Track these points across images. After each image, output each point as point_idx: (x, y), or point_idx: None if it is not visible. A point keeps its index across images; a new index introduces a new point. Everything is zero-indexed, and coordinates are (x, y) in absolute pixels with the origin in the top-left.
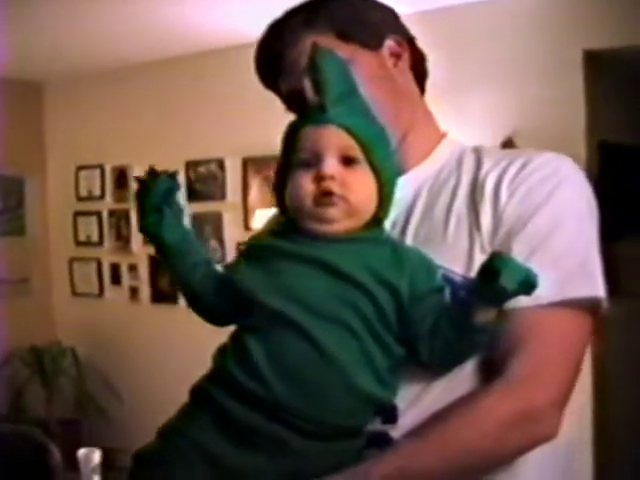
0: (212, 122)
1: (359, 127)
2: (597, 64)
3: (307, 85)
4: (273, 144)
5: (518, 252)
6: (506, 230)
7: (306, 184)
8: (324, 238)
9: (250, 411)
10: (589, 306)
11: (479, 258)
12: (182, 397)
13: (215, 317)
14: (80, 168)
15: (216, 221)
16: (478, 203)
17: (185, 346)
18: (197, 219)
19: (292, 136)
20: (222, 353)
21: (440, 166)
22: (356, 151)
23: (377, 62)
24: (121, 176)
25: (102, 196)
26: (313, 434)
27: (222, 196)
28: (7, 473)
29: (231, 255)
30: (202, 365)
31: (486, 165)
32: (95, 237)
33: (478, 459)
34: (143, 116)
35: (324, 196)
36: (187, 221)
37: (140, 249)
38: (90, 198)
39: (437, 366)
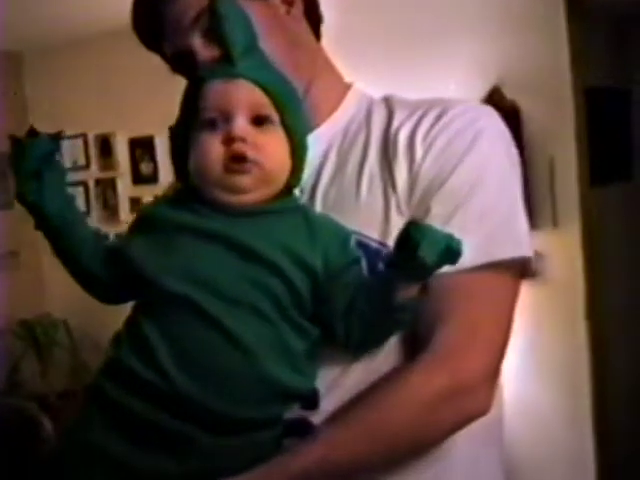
0: None
1: (271, 82)
2: (579, 7)
3: (197, 43)
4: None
5: (437, 213)
6: (423, 189)
7: (213, 147)
8: (232, 210)
9: (150, 407)
10: (517, 267)
11: (396, 220)
12: None
13: (107, 295)
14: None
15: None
16: (391, 160)
17: None
18: None
19: (195, 92)
20: (116, 342)
21: (348, 120)
22: (269, 109)
23: (269, 11)
24: (105, 144)
25: (87, 165)
26: (223, 429)
27: None
28: None
29: None
30: None
31: (398, 117)
32: (82, 207)
33: (407, 442)
34: (126, 82)
35: (235, 161)
36: (70, 189)
37: (128, 218)
38: (75, 168)
39: (355, 347)
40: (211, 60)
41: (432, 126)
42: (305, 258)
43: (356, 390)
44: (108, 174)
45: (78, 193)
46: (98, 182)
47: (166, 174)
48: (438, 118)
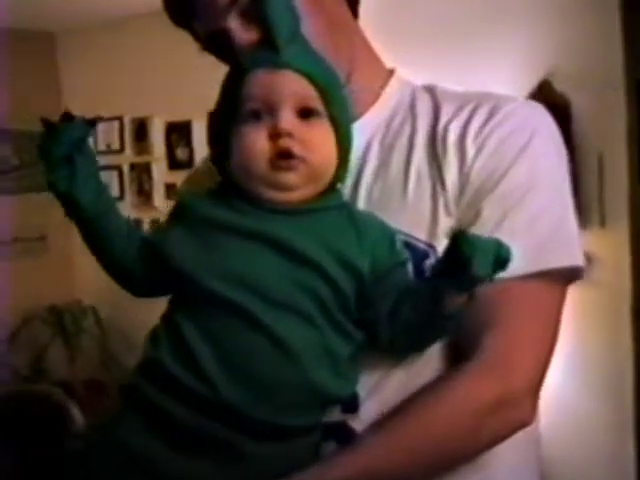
0: None
1: (318, 72)
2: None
3: (234, 24)
4: None
5: (488, 216)
6: (474, 190)
7: (258, 142)
8: (276, 208)
9: (191, 412)
10: (566, 274)
11: (444, 221)
12: None
13: (141, 289)
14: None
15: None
16: (441, 158)
17: None
18: None
19: (237, 81)
20: (154, 341)
21: (391, 111)
22: (316, 101)
23: None
24: (141, 128)
25: (122, 149)
26: (264, 435)
27: None
28: (25, 433)
29: None
30: None
31: (445, 111)
32: (116, 192)
33: (451, 453)
34: (162, 65)
35: (281, 158)
36: (104, 174)
37: (162, 204)
38: (109, 152)
39: (398, 352)
40: (249, 43)
41: (484, 124)
42: (352, 259)
43: (396, 395)
44: (143, 159)
45: (112, 177)
46: (133, 167)
47: (202, 159)
48: (490, 116)
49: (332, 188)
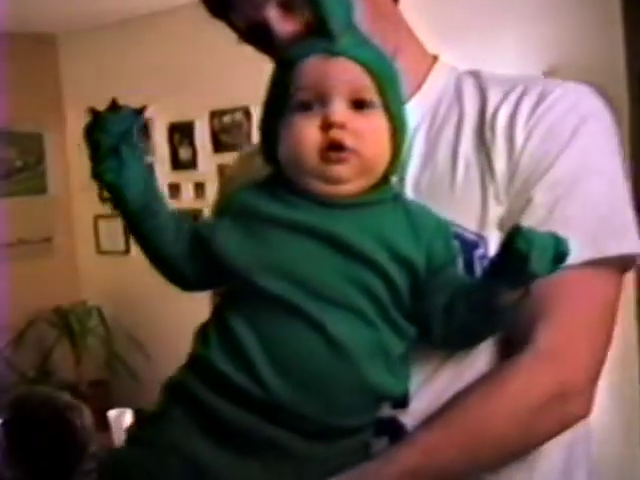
0: (236, 69)
1: (374, 61)
2: None
3: (273, 15)
4: None
5: (540, 203)
6: (525, 177)
7: (309, 133)
8: (327, 202)
9: (242, 411)
10: (621, 264)
11: (494, 210)
12: None
13: (189, 283)
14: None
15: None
16: (489, 145)
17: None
18: (223, 170)
19: (288, 70)
20: (203, 338)
21: (437, 97)
22: (371, 92)
23: None
24: (144, 128)
25: None
26: (316, 435)
27: (249, 146)
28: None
29: None
30: None
31: (492, 97)
32: None
33: (508, 447)
34: (164, 64)
35: (333, 150)
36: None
37: (167, 203)
38: None
39: (450, 347)
40: (289, 34)
41: (533, 110)
42: (407, 254)
43: (446, 389)
44: (147, 158)
45: None
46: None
47: (205, 160)
48: (539, 100)
49: (385, 181)
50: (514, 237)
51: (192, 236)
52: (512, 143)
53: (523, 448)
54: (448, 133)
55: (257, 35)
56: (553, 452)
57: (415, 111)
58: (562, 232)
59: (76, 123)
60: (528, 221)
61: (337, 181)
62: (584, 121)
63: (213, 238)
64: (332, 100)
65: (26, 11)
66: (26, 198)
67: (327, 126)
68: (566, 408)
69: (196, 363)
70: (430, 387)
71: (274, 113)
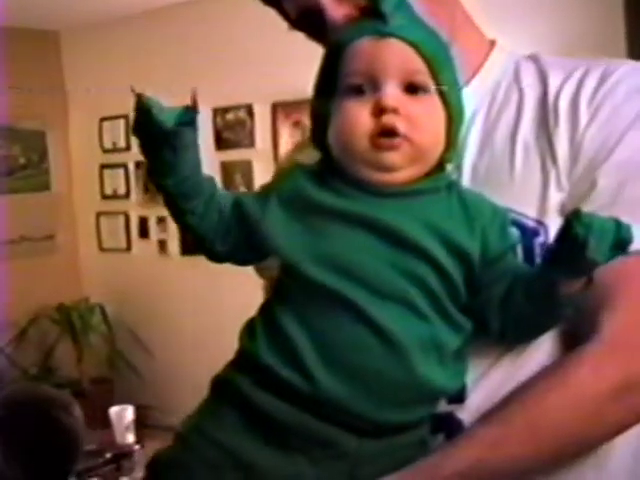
0: (239, 66)
1: (428, 43)
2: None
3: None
4: (303, 87)
5: (605, 186)
6: (588, 160)
7: (360, 119)
8: (379, 190)
9: (290, 408)
10: None
11: (555, 196)
12: (214, 351)
13: (218, 253)
14: (103, 119)
15: (246, 169)
16: (551, 127)
17: (216, 299)
18: (226, 168)
19: (338, 53)
20: (250, 333)
21: (495, 82)
22: (424, 76)
23: None
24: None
25: (128, 147)
26: (368, 432)
27: (251, 143)
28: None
29: None
30: (234, 319)
31: (553, 80)
32: (122, 190)
33: (572, 442)
34: (166, 62)
35: (385, 136)
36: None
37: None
38: (115, 150)
39: (509, 341)
40: (343, 19)
41: (596, 89)
42: (461, 244)
43: (504, 384)
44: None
45: (118, 175)
46: (138, 165)
47: (207, 157)
48: (602, 80)
49: (440, 168)
50: (572, 222)
51: (234, 208)
52: (575, 126)
53: (590, 441)
54: (507, 118)
55: (309, 21)
56: (621, 448)
57: (472, 96)
58: (627, 217)
59: (79, 121)
60: (591, 206)
61: (389, 169)
62: None
63: (262, 219)
64: (384, 84)
65: (29, 8)
66: (29, 195)
67: (379, 111)
68: (634, 399)
69: (242, 358)
70: (487, 381)
71: (324, 98)
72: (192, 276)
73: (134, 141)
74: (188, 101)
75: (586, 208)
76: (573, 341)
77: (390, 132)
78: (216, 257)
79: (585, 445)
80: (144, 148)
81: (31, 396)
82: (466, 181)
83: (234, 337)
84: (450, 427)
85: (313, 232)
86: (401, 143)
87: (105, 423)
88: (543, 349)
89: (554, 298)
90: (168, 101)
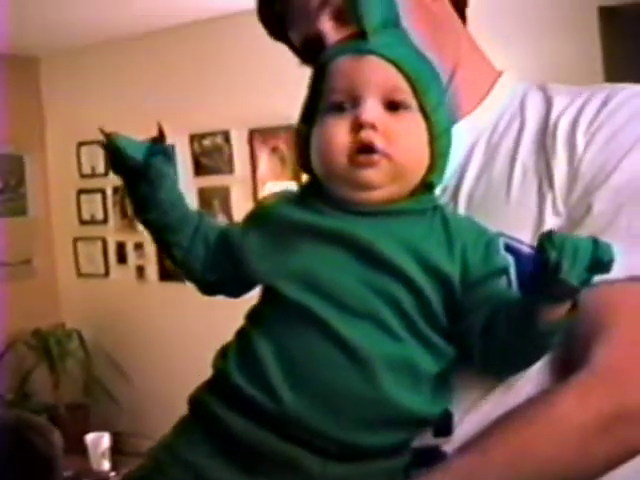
0: (216, 93)
1: (409, 62)
2: (612, 20)
3: (326, 26)
4: (280, 113)
5: (600, 211)
6: (585, 184)
7: (338, 135)
8: (357, 209)
9: (256, 427)
10: None
11: (551, 221)
12: (191, 378)
13: (209, 285)
14: (81, 144)
15: (224, 195)
16: (549, 152)
17: (195, 325)
18: (204, 194)
19: (321, 73)
20: (223, 354)
21: (499, 112)
22: (405, 93)
23: None
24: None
25: (106, 173)
26: (336, 455)
27: (230, 170)
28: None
29: None
30: (213, 345)
31: (557, 105)
32: (100, 215)
33: (555, 475)
34: (144, 88)
35: (363, 152)
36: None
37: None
38: (93, 175)
39: (493, 371)
40: (346, 38)
41: (596, 114)
42: (439, 265)
43: (494, 417)
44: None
45: (96, 201)
46: (116, 190)
47: (185, 183)
48: (603, 105)
49: (428, 189)
50: (543, 244)
51: (219, 239)
52: (573, 149)
53: (577, 475)
54: (507, 143)
55: (314, 52)
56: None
57: (475, 125)
58: (622, 243)
59: (56, 146)
60: (586, 230)
61: (367, 186)
62: None
63: (240, 244)
64: (364, 100)
65: (8, 33)
66: (6, 220)
67: (357, 127)
68: (625, 434)
69: (215, 378)
70: (477, 414)
71: (307, 117)
72: (170, 302)
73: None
74: (166, 128)
75: (580, 232)
76: (566, 373)
77: (368, 148)
78: (207, 289)
79: (575, 477)
80: (126, 187)
81: (10, 421)
82: (462, 209)
83: (211, 363)
84: (435, 460)
85: (287, 250)
86: (379, 160)
87: (81, 449)
88: (535, 381)
89: (536, 326)
90: (145, 126)
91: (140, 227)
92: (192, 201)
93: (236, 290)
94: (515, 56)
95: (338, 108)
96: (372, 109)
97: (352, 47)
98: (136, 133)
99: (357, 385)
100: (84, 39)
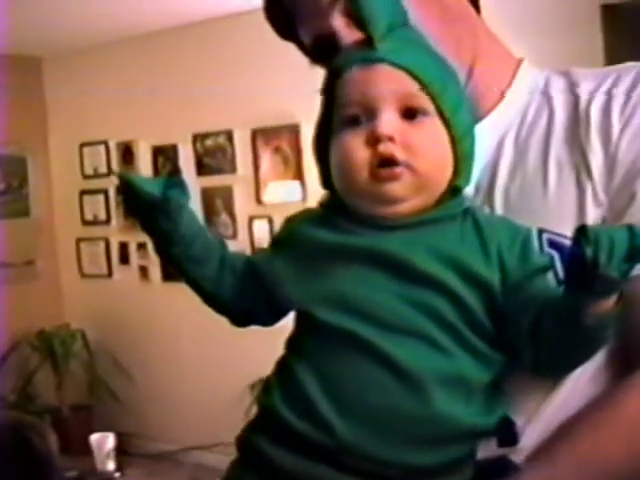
0: (218, 93)
1: (422, 66)
2: (615, 18)
3: (338, 23)
4: (282, 113)
5: None
6: (625, 171)
7: (357, 150)
8: (384, 224)
9: (308, 461)
10: None
11: (593, 212)
12: (195, 378)
13: (240, 318)
14: (84, 145)
15: (227, 195)
16: (583, 141)
17: (199, 326)
18: (207, 194)
19: (332, 84)
20: (266, 389)
21: (524, 103)
22: (421, 99)
23: None
24: (127, 152)
25: (108, 173)
26: (396, 479)
27: (232, 169)
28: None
29: (243, 230)
30: (216, 345)
31: (584, 90)
32: (102, 216)
33: (628, 476)
34: (147, 88)
35: (383, 166)
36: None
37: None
38: (96, 176)
39: (546, 372)
40: (356, 44)
41: (628, 96)
42: (477, 272)
43: (557, 422)
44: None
45: (98, 201)
46: (119, 190)
47: (188, 182)
48: (634, 86)
49: (455, 194)
50: (578, 239)
51: (246, 267)
52: (608, 135)
53: None
54: (538, 135)
55: (326, 51)
56: None
57: (500, 120)
58: None
59: (59, 147)
60: (632, 219)
61: (391, 201)
62: None
63: (267, 271)
64: (379, 111)
65: (12, 33)
66: (9, 221)
67: (374, 140)
68: None
69: (260, 415)
70: (540, 421)
71: (324, 132)
72: (173, 302)
73: (115, 167)
74: (169, 128)
75: (626, 221)
76: (626, 369)
77: (389, 161)
78: (240, 320)
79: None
80: (142, 226)
81: (9, 421)
82: (498, 207)
83: (215, 364)
84: (504, 471)
85: (319, 273)
86: (402, 172)
87: (85, 450)
88: (596, 380)
89: (585, 322)
90: (149, 126)
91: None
92: (195, 201)
93: (270, 318)
94: (517, 53)
95: (353, 122)
96: (388, 120)
97: (361, 56)
98: (140, 134)
99: (409, 405)
100: (87, 40)
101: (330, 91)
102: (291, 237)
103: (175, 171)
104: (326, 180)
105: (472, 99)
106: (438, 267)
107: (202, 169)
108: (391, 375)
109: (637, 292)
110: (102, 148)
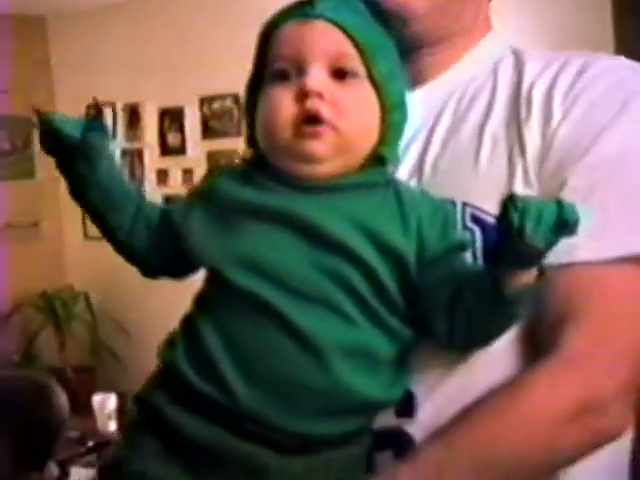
0: (226, 55)
1: (359, 28)
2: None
3: None
4: None
5: (575, 186)
6: (559, 157)
7: (283, 105)
8: (302, 184)
9: (207, 424)
10: None
11: (522, 192)
12: None
13: (152, 268)
14: (89, 106)
15: (232, 159)
16: (522, 119)
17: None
18: (213, 157)
19: (265, 40)
20: (170, 345)
21: (470, 75)
22: (353, 61)
23: None
24: (133, 114)
25: (113, 135)
26: (296, 449)
27: (238, 133)
28: (12, 416)
29: None
30: None
31: (530, 71)
32: None
33: (525, 467)
34: (153, 50)
35: (308, 123)
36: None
37: (154, 189)
38: None
39: (460, 346)
40: (297, 1)
41: (573, 83)
42: (393, 242)
43: (456, 397)
44: (135, 145)
45: None
46: (124, 153)
47: (194, 146)
48: (581, 72)
49: (381, 162)
50: (506, 207)
51: (162, 219)
52: (547, 119)
53: (544, 467)
54: (476, 111)
55: None
56: (594, 475)
57: (440, 89)
58: (594, 222)
59: (65, 108)
60: None
61: (311, 159)
62: (630, 100)
63: (183, 224)
64: (309, 67)
65: None
66: (13, 182)
67: (302, 96)
68: (593, 422)
69: (162, 373)
70: (439, 394)
71: (253, 88)
72: None
73: (120, 129)
74: (176, 90)
75: None
76: (535, 356)
77: (313, 118)
78: (150, 272)
79: (538, 470)
80: (60, 167)
81: (29, 379)
82: (427, 179)
83: None
84: (399, 443)
85: (232, 231)
86: (325, 131)
87: (87, 411)
88: (500, 360)
89: (501, 295)
90: (155, 88)
91: (147, 189)
92: (201, 164)
93: (180, 271)
94: (526, 26)
95: (283, 77)
96: (318, 77)
97: (299, 12)
98: (146, 96)
99: (312, 375)
100: (92, 1)
101: (263, 46)
102: (211, 190)
103: (98, 113)
104: (251, 138)
105: (424, 64)
106: (352, 235)
107: (208, 132)
108: (294, 343)
109: (556, 285)
110: (108, 110)
